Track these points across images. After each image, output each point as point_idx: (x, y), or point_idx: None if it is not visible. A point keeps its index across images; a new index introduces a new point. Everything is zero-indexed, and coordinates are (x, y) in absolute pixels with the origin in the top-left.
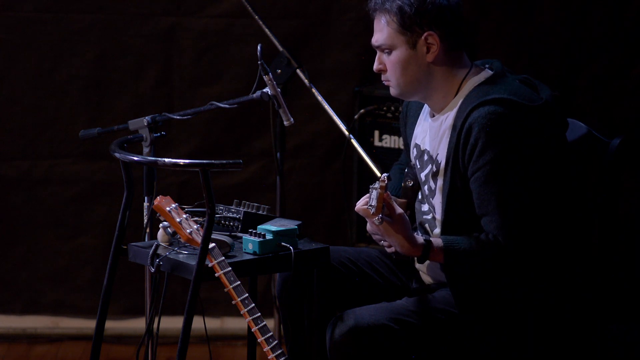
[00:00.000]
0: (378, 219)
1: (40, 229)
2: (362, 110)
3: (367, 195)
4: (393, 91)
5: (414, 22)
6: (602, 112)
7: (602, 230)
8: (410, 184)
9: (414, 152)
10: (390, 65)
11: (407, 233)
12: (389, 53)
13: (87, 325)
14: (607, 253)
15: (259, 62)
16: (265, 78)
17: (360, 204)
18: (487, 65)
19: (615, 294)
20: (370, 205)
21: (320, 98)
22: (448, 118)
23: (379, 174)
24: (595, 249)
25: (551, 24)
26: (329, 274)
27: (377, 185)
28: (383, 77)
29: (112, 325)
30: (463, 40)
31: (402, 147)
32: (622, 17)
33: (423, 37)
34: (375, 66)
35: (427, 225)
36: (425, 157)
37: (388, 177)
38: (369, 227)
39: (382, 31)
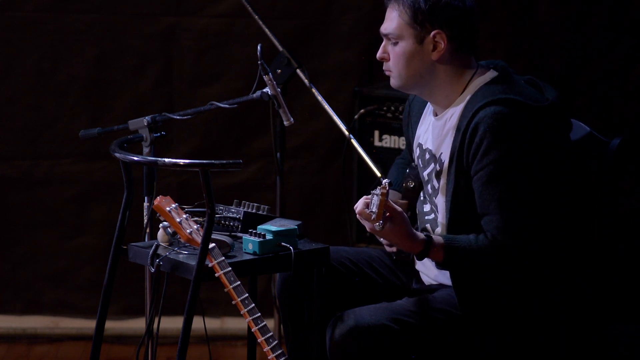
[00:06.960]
0: (379, 224)
1: (40, 229)
2: (362, 110)
3: (367, 197)
4: (393, 82)
5: (426, 19)
6: (602, 112)
7: (602, 230)
8: (412, 185)
9: (416, 152)
10: (394, 56)
11: (408, 230)
12: (395, 43)
13: (87, 325)
14: (607, 253)
15: (259, 62)
16: (265, 78)
17: (360, 207)
18: (491, 66)
19: (615, 294)
20: (371, 211)
21: (320, 98)
22: (453, 117)
23: (378, 174)
24: (595, 249)
25: (551, 24)
26: (329, 274)
27: (378, 191)
28: (385, 66)
29: (112, 325)
30: (472, 45)
31: (402, 147)
32: (622, 17)
33: (431, 35)
34: (379, 54)
35: (428, 225)
36: (428, 156)
37: (389, 183)
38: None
39: (392, 20)
